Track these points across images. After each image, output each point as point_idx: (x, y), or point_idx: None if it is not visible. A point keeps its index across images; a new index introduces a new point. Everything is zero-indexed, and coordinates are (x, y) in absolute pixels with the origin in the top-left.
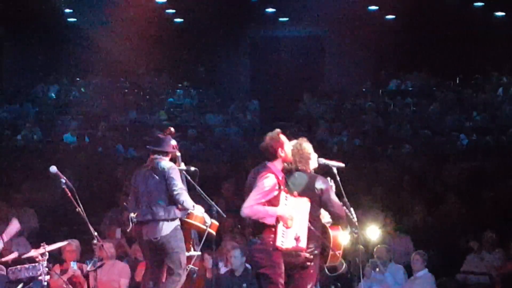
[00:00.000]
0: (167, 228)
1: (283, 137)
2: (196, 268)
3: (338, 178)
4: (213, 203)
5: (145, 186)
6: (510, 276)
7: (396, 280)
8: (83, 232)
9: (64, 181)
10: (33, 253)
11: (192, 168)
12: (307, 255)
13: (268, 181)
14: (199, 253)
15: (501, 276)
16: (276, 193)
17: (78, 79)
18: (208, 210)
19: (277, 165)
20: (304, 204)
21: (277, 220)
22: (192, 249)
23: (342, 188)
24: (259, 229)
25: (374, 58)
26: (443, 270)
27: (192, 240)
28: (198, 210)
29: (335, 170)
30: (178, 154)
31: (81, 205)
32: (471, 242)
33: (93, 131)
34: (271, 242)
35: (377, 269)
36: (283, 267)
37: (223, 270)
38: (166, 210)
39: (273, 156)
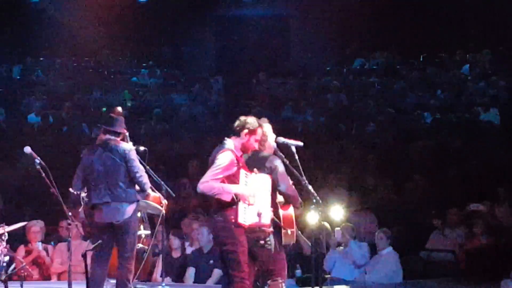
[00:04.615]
0: (129, 210)
1: (261, 132)
2: (146, 247)
3: (296, 157)
4: (162, 182)
5: (103, 167)
6: (474, 253)
7: (361, 252)
8: (47, 213)
9: (38, 161)
10: None
11: (142, 148)
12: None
13: (224, 156)
14: (149, 232)
15: (465, 253)
16: (235, 169)
17: (42, 59)
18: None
19: (235, 142)
20: (265, 180)
21: (236, 198)
22: (141, 228)
23: (300, 167)
24: (220, 207)
25: (338, 37)
26: (407, 248)
27: (141, 219)
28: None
29: (293, 149)
30: (126, 133)
31: (55, 186)
32: (434, 220)
33: (57, 111)
34: (233, 220)
35: (342, 239)
36: (246, 244)
37: (189, 249)
38: (127, 192)
39: (236, 133)
